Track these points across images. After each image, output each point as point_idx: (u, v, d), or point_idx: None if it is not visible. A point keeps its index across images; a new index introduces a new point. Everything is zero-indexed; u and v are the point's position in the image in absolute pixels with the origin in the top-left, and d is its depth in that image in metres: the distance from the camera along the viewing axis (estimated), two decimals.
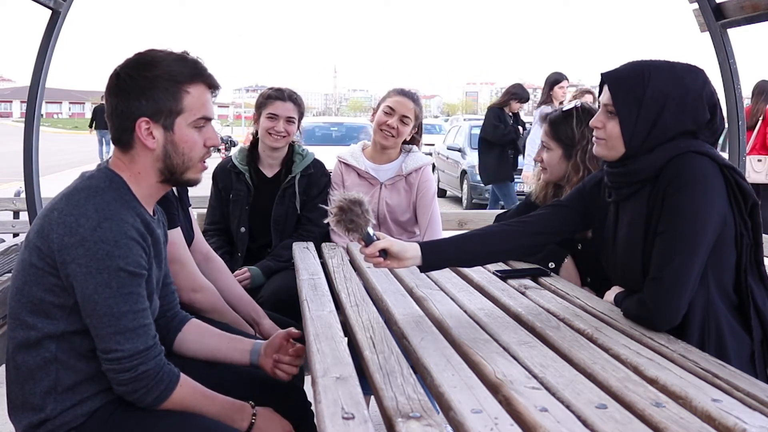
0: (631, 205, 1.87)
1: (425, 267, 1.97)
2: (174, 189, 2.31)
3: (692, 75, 1.82)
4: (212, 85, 1.69)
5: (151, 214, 1.68)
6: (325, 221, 1.91)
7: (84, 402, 1.60)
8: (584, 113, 2.45)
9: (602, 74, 1.90)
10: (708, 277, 1.75)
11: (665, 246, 1.73)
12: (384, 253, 1.90)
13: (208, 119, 1.68)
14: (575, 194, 2.13)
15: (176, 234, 2.20)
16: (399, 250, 1.90)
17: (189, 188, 2.44)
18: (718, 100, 1.84)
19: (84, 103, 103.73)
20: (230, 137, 25.57)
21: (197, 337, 1.91)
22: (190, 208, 2.54)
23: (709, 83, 1.83)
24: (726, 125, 1.90)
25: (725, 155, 3.98)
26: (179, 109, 1.62)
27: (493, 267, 2.42)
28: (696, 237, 1.69)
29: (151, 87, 1.60)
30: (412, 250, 1.93)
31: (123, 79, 1.61)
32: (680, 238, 1.70)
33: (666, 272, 1.70)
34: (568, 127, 2.47)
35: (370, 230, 1.87)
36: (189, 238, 2.34)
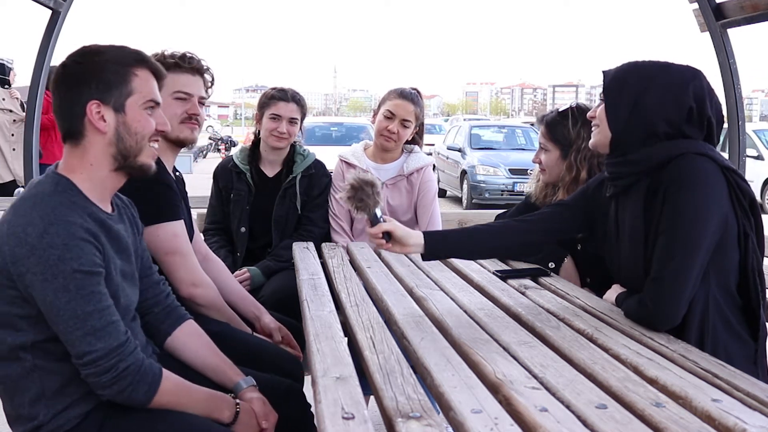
0: (630, 202, 1.88)
1: (428, 255, 2.01)
2: (176, 183, 2.30)
3: (682, 68, 1.85)
4: (157, 72, 1.70)
5: (109, 210, 1.67)
6: (338, 196, 1.99)
7: (75, 404, 1.58)
8: (580, 113, 2.45)
9: (602, 71, 1.94)
10: (709, 279, 1.75)
11: (666, 246, 1.73)
12: (388, 236, 1.96)
13: (157, 103, 1.69)
14: (580, 194, 2.14)
15: (179, 226, 2.19)
16: (402, 235, 1.97)
17: (186, 189, 2.45)
18: (710, 99, 1.83)
19: None
20: (230, 137, 25.61)
21: (189, 347, 1.88)
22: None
23: (699, 79, 1.83)
24: (722, 125, 1.90)
25: (725, 155, 3.98)
26: (129, 91, 1.63)
27: (493, 267, 2.42)
28: (696, 238, 1.70)
29: (99, 70, 1.61)
30: (415, 237, 1.99)
31: (70, 67, 1.63)
32: (680, 238, 1.71)
33: (666, 272, 1.71)
34: (564, 128, 2.47)
35: (378, 212, 1.97)
36: (189, 235, 2.34)
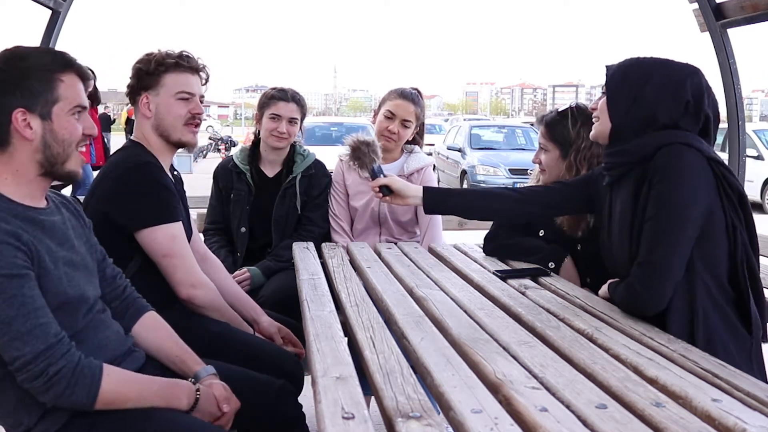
0: (623, 189, 1.93)
1: (428, 209, 2.22)
2: (174, 183, 2.30)
3: (682, 65, 1.92)
4: (83, 75, 1.69)
5: (42, 205, 1.65)
6: (339, 156, 2.43)
7: (58, 407, 1.56)
8: (580, 113, 2.46)
9: (606, 66, 2.00)
10: (695, 272, 1.78)
11: (651, 233, 1.79)
12: (387, 190, 2.19)
13: (84, 107, 1.67)
14: (583, 178, 2.23)
15: (176, 228, 2.18)
16: (400, 188, 2.20)
17: (184, 188, 2.45)
18: (708, 96, 1.88)
19: None
20: (230, 137, 25.60)
21: (151, 340, 1.87)
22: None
23: (698, 76, 1.89)
24: (718, 124, 1.95)
25: (725, 155, 3.99)
26: (55, 98, 1.61)
27: (493, 267, 2.42)
28: (680, 225, 1.75)
29: (24, 77, 1.58)
30: (414, 190, 2.20)
31: None
32: (664, 225, 1.76)
33: (652, 257, 1.77)
34: (564, 128, 2.47)
35: (377, 168, 2.24)
36: (188, 235, 2.33)
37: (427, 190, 2.19)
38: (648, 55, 1.96)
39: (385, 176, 2.20)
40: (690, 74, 1.88)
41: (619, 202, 1.94)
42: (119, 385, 1.59)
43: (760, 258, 1.94)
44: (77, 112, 1.65)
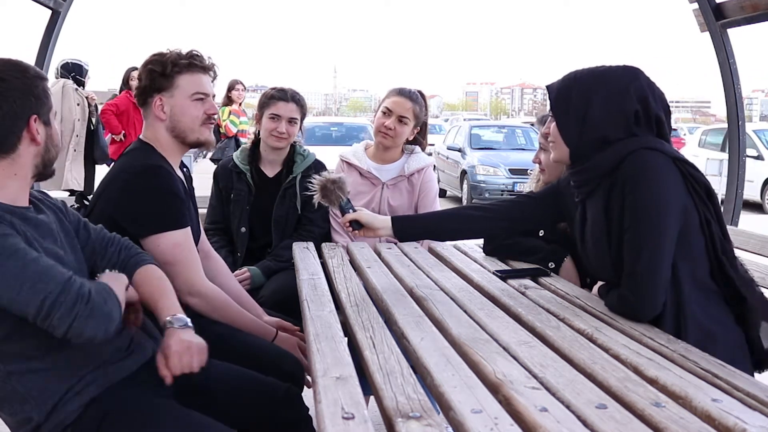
0: (593, 203, 1.94)
1: (399, 237, 2.24)
2: (183, 182, 2.29)
3: (618, 73, 1.91)
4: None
5: (25, 205, 1.67)
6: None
7: (67, 399, 1.58)
8: None
9: (546, 86, 2.01)
10: (678, 272, 1.78)
11: (632, 243, 1.79)
12: (358, 224, 2.18)
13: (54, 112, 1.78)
14: (549, 190, 2.24)
15: (181, 235, 2.16)
16: (368, 221, 2.19)
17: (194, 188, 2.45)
18: (653, 95, 1.88)
19: None
20: None
21: (139, 290, 1.85)
22: None
23: (639, 80, 1.89)
24: (669, 123, 1.96)
25: (725, 155, 3.99)
26: (50, 105, 1.71)
27: (493, 267, 2.42)
28: (659, 229, 1.76)
29: (35, 86, 1.66)
30: (382, 221, 2.21)
31: (10, 82, 1.63)
32: (644, 233, 1.77)
33: (638, 267, 1.77)
34: None
35: (345, 204, 2.22)
36: (197, 236, 2.32)
37: (396, 219, 2.22)
38: (579, 71, 1.96)
39: (354, 211, 2.21)
40: (630, 80, 1.88)
41: (590, 213, 1.95)
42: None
43: (760, 257, 1.95)
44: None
